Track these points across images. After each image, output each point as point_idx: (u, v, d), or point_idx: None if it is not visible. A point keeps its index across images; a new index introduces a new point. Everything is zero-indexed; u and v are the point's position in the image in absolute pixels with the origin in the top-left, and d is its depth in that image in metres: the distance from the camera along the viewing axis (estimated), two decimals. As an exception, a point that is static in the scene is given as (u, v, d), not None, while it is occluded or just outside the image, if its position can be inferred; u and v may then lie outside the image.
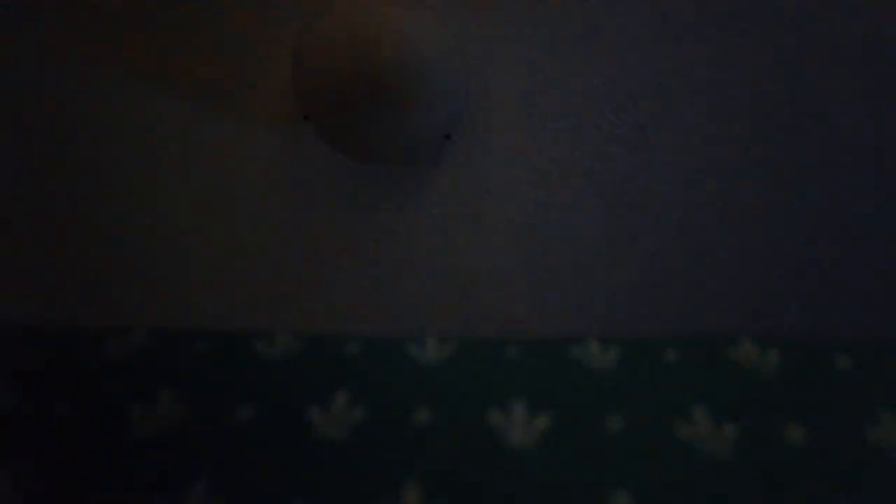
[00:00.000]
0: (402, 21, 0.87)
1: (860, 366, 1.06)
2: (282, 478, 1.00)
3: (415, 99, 0.89)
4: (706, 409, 1.04)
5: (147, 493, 0.98)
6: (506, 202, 1.07)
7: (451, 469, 0.99)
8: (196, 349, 1.10)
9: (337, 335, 1.12)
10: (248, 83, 1.03)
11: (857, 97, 1.01)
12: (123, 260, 1.11)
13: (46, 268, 1.11)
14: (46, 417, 1.04)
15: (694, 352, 1.08)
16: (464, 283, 1.10)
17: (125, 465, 1.01)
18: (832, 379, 1.06)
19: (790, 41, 0.99)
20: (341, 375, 1.08)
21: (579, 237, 1.08)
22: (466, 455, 1.01)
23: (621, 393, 1.05)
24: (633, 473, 0.99)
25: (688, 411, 1.04)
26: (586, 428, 1.03)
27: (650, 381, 1.06)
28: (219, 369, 1.08)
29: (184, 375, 1.08)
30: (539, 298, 1.10)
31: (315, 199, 1.08)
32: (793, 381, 1.06)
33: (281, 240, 1.10)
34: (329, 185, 1.07)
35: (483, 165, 1.06)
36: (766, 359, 1.07)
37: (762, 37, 0.99)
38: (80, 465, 1.01)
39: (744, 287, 1.09)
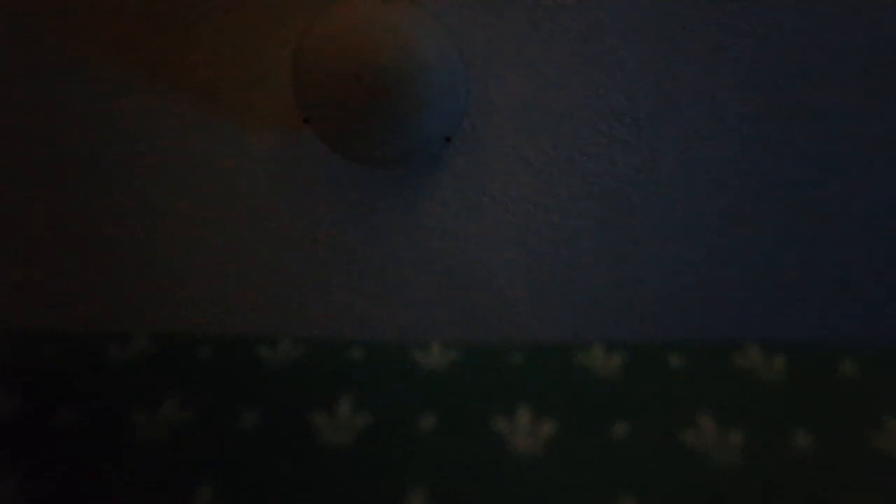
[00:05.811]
0: (401, 22, 0.87)
1: (865, 371, 1.06)
2: (286, 484, 0.99)
3: (414, 100, 0.89)
4: (712, 415, 1.04)
5: (151, 498, 0.98)
6: (506, 204, 1.07)
7: (456, 475, 0.99)
8: (199, 355, 1.09)
9: (340, 340, 1.11)
10: (248, 83, 1.02)
11: (858, 97, 1.01)
12: (125, 265, 1.10)
13: (48, 274, 1.10)
14: (50, 422, 1.04)
15: (699, 357, 1.08)
16: (466, 286, 1.10)
17: (129, 470, 1.00)
18: (837, 384, 1.06)
19: (789, 42, 0.99)
20: (345, 381, 1.07)
21: (581, 240, 1.08)
22: (471, 461, 1.00)
23: (626, 399, 1.05)
24: (639, 480, 0.98)
25: (693, 417, 1.04)
26: (591, 434, 1.03)
27: (655, 387, 1.06)
28: (222, 375, 1.08)
29: (186, 381, 1.07)
30: (542, 302, 1.10)
31: (315, 203, 1.08)
32: (798, 386, 1.06)
33: (282, 243, 1.09)
34: (330, 188, 1.07)
35: (483, 166, 1.06)
36: (771, 364, 1.07)
37: (761, 38, 0.99)
38: (83, 469, 1.00)
39: (749, 292, 1.09)
